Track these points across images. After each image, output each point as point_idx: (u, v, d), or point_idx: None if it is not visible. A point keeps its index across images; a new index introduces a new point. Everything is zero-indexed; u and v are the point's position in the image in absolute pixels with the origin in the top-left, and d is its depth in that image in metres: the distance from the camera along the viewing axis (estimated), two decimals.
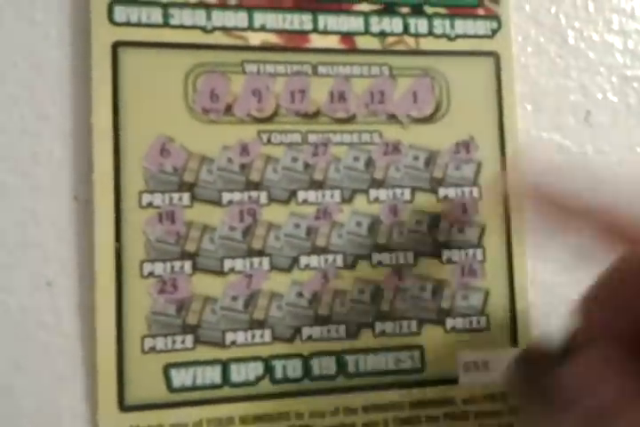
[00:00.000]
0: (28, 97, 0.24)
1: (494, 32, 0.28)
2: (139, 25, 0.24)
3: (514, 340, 0.26)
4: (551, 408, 0.16)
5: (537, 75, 0.29)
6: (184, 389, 0.23)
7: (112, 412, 0.22)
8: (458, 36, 0.27)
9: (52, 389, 0.22)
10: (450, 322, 0.26)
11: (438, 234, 0.26)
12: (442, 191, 0.26)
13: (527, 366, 0.19)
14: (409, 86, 0.27)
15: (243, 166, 0.25)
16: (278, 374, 0.24)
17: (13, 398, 0.22)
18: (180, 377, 0.23)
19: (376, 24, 0.27)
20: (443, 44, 0.27)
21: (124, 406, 0.22)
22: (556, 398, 0.16)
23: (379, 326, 0.25)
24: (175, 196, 0.24)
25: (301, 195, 0.25)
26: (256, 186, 0.25)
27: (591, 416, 0.15)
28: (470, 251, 0.26)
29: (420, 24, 0.27)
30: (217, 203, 0.24)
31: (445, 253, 0.26)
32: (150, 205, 0.24)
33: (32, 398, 0.22)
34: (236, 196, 0.25)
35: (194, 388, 0.23)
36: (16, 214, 0.23)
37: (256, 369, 0.24)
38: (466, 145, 0.27)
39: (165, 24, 0.25)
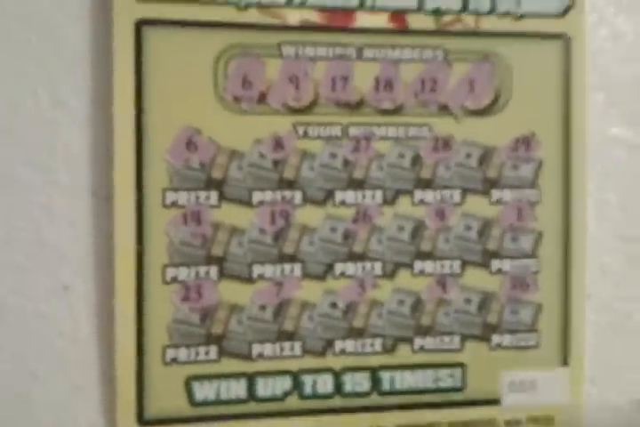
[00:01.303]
0: (43, 80, 0.21)
1: (566, 10, 0.23)
2: (165, 1, 0.21)
3: (564, 359, 0.23)
4: None
5: (611, 62, 0.24)
6: (207, 403, 0.21)
7: (131, 425, 0.20)
8: (524, 15, 0.23)
9: (68, 399, 0.21)
10: (496, 338, 0.23)
11: (488, 241, 0.23)
12: (496, 193, 0.23)
13: None
14: (465, 73, 0.23)
15: (276, 163, 0.22)
16: (307, 389, 0.22)
17: (30, 407, 0.20)
18: (203, 391, 0.21)
19: (431, 0, 0.23)
20: (506, 25, 0.23)
21: (143, 420, 0.21)
22: None
23: (418, 341, 0.22)
24: (202, 194, 0.21)
25: (339, 195, 0.22)
26: (290, 184, 0.22)
27: None
28: (523, 261, 0.23)
29: (482, 0, 0.23)
30: (247, 203, 0.22)
31: (495, 263, 0.23)
32: (174, 204, 0.21)
33: (48, 408, 0.21)
34: (268, 195, 0.22)
35: (217, 402, 0.21)
36: (30, 211, 0.21)
37: (284, 384, 0.22)
38: (526, 141, 0.23)
39: (194, 0, 0.21)
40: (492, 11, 0.23)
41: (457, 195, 0.23)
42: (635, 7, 0.25)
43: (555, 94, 0.23)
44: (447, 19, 0.23)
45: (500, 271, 0.23)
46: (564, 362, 0.23)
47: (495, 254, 0.23)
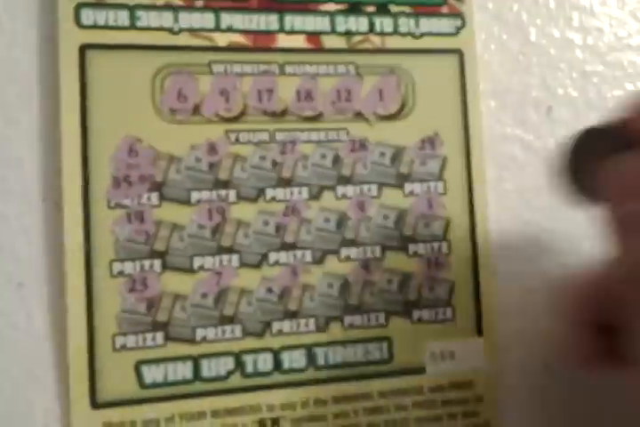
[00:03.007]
0: None
1: (458, 30, 0.26)
2: (106, 27, 0.23)
3: (479, 330, 0.25)
4: (602, 196, 0.15)
5: (500, 71, 0.27)
6: (155, 385, 0.22)
7: (84, 409, 0.21)
8: (423, 35, 0.26)
9: (24, 388, 0.21)
10: (416, 314, 0.24)
11: (404, 228, 0.25)
12: (408, 187, 0.25)
13: (586, 143, 0.17)
14: (375, 84, 0.25)
15: (211, 165, 0.23)
16: (249, 368, 0.23)
17: None
18: (152, 374, 0.22)
19: (342, 23, 0.25)
20: (408, 43, 0.26)
21: (96, 404, 0.21)
22: (612, 185, 0.15)
23: (347, 319, 0.24)
24: (144, 195, 0.23)
25: (270, 192, 0.24)
26: (225, 184, 0.23)
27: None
28: (436, 244, 0.25)
29: (386, 23, 0.25)
30: (186, 202, 0.23)
31: (411, 247, 0.25)
32: (119, 205, 0.22)
33: (4, 398, 0.21)
34: (205, 194, 0.23)
35: (165, 384, 0.22)
36: None
37: (227, 364, 0.23)
38: (431, 141, 0.25)
39: (132, 26, 0.23)
40: (394, 31, 0.26)
41: (374, 189, 0.25)
42: (516, 25, 0.28)
43: (453, 100, 0.26)
44: (357, 39, 0.25)
45: (416, 254, 0.25)
46: (479, 332, 0.25)
47: (411, 239, 0.25)
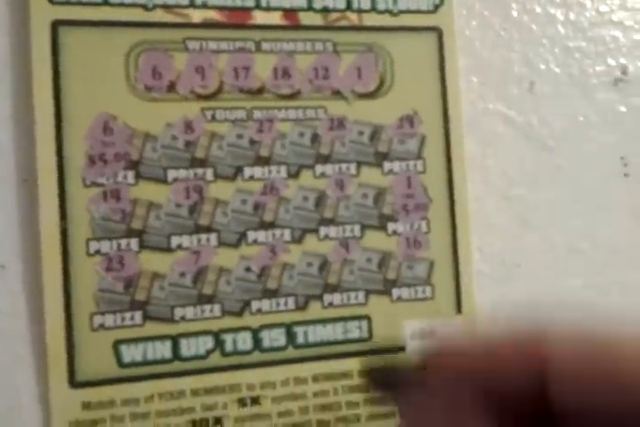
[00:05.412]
0: None
1: (437, 7, 0.27)
2: (78, 3, 0.23)
3: (458, 308, 0.26)
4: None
5: (482, 48, 0.28)
6: (134, 364, 0.23)
7: (63, 389, 0.22)
8: (401, 12, 0.27)
9: (9, 369, 0.22)
10: (396, 292, 0.26)
11: (384, 207, 0.26)
12: (387, 165, 0.26)
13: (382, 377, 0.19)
14: (353, 62, 0.26)
15: (187, 143, 0.24)
16: (229, 347, 0.24)
17: None
18: (130, 353, 0.23)
19: (319, 0, 0.26)
20: (386, 20, 0.26)
21: (74, 383, 0.22)
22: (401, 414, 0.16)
23: (327, 298, 0.25)
24: (120, 173, 0.23)
25: (247, 171, 0.25)
26: (202, 163, 0.24)
27: None
28: (415, 223, 0.26)
29: (363, 0, 0.26)
30: (162, 180, 0.24)
31: (391, 226, 0.26)
32: (94, 183, 0.23)
33: None
34: (182, 173, 0.24)
35: (144, 363, 0.23)
36: None
37: (206, 343, 0.24)
38: (410, 119, 0.26)
39: (105, 2, 0.24)
40: (372, 8, 0.27)
41: (353, 168, 0.26)
42: (498, 1, 0.29)
43: (432, 78, 0.27)
44: (334, 16, 0.26)
45: (395, 233, 0.26)
46: (458, 310, 0.26)
47: (390, 218, 0.26)
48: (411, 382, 0.17)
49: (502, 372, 0.15)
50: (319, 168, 0.25)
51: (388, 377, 0.19)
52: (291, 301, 0.25)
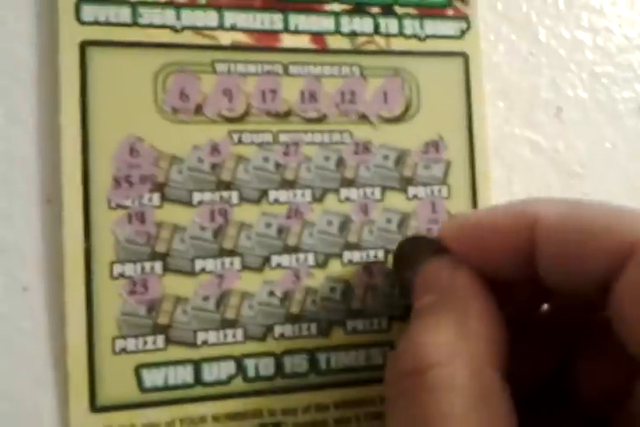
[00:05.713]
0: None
1: (463, 33, 0.27)
2: (107, 24, 0.24)
3: None
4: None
5: (509, 72, 0.28)
6: (156, 389, 0.23)
7: (84, 413, 0.22)
8: (427, 37, 0.27)
9: (27, 393, 0.22)
10: None
11: (407, 232, 0.26)
12: (411, 190, 0.26)
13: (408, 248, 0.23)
14: (379, 86, 0.26)
15: (213, 166, 0.24)
16: (250, 372, 0.24)
17: None
18: (152, 377, 0.23)
19: (347, 24, 0.26)
20: (413, 45, 0.27)
21: (95, 407, 0.22)
22: (416, 283, 0.20)
23: (350, 324, 0.25)
24: (145, 196, 0.23)
25: (272, 194, 0.25)
26: (227, 186, 0.24)
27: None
28: None
29: (391, 24, 0.26)
30: (187, 203, 0.24)
31: None
32: (119, 205, 0.23)
33: (11, 401, 0.22)
34: (207, 196, 0.24)
35: (166, 388, 0.23)
36: None
37: (228, 368, 0.23)
38: (435, 145, 0.26)
39: (134, 23, 0.24)
40: (400, 33, 0.27)
41: (377, 192, 0.26)
42: (525, 26, 0.29)
43: (458, 103, 0.27)
44: (361, 40, 0.26)
45: None
46: None
47: None
48: (435, 249, 0.20)
49: (498, 232, 0.18)
50: (344, 192, 0.25)
51: (416, 244, 0.22)
52: (313, 326, 0.24)
